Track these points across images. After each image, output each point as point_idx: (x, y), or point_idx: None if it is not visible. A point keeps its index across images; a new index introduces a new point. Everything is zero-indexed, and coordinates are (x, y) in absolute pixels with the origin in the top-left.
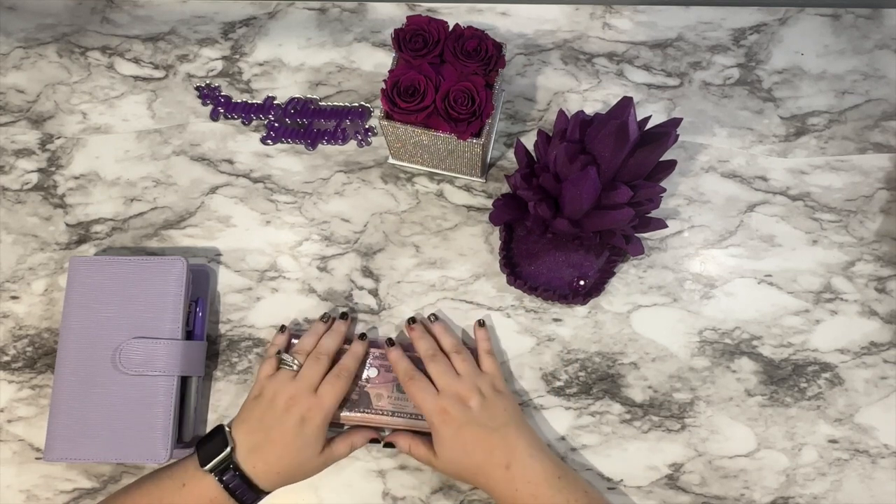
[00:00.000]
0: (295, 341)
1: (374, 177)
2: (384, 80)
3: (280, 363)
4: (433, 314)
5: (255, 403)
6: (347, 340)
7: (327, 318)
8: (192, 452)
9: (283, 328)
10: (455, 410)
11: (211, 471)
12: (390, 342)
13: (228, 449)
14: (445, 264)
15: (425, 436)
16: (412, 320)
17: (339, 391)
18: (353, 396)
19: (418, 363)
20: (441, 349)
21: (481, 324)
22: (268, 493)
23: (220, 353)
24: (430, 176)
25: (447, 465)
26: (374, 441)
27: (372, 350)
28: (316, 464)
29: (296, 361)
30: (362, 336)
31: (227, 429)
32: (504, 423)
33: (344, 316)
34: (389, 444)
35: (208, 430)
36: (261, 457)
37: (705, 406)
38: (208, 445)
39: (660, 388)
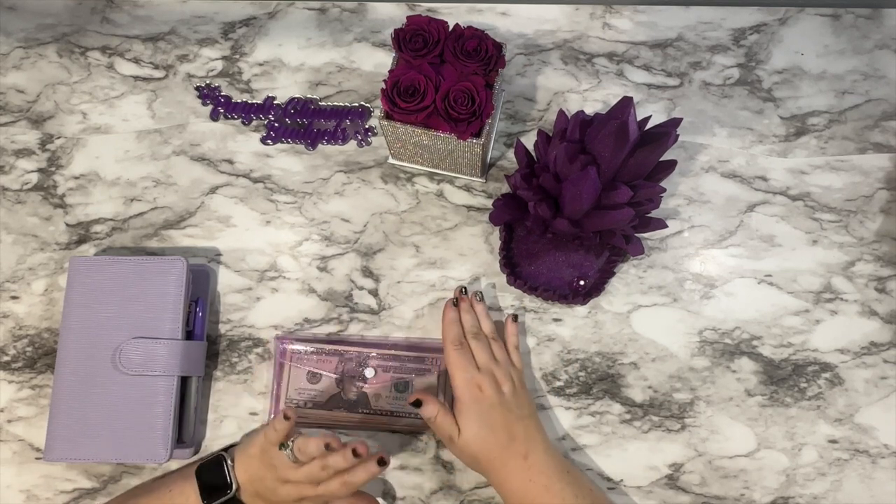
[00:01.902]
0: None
1: (374, 177)
2: (384, 80)
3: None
4: (479, 292)
5: (259, 459)
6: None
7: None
8: (190, 470)
9: (286, 416)
10: (489, 390)
11: None
12: (455, 302)
13: (232, 491)
14: (445, 264)
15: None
16: (464, 290)
17: (341, 495)
18: (352, 397)
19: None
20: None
21: (514, 318)
22: None
23: (220, 353)
24: (430, 176)
25: (469, 444)
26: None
27: (370, 350)
28: None
29: (291, 448)
30: (382, 462)
31: (229, 463)
32: (529, 415)
33: (355, 453)
34: (417, 402)
35: (208, 430)
36: (265, 502)
37: (705, 406)
38: (210, 480)
39: (660, 388)
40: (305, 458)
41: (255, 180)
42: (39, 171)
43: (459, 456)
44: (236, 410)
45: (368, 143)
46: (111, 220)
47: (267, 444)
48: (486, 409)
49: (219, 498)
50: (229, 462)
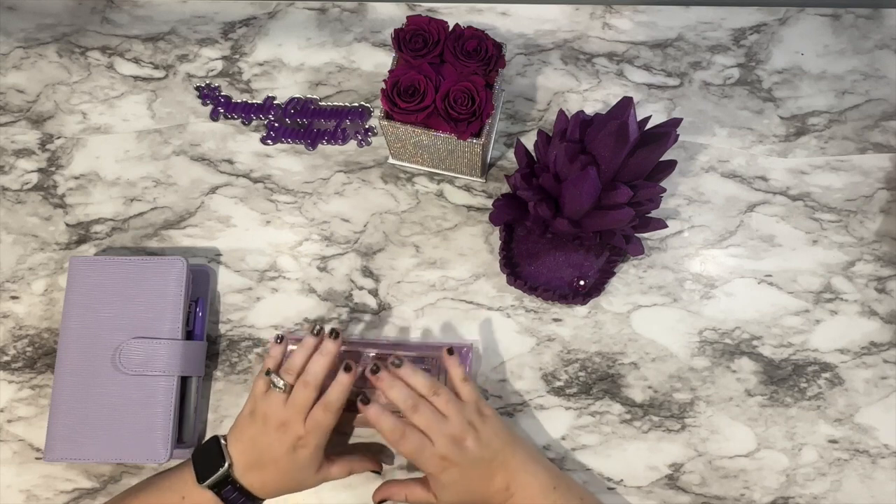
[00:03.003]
0: (292, 347)
1: (374, 177)
2: (384, 80)
3: (270, 384)
4: (396, 357)
5: (249, 421)
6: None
7: (318, 331)
8: (187, 460)
9: (280, 338)
10: (455, 456)
11: (209, 487)
12: (364, 399)
13: (226, 465)
14: (445, 264)
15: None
16: (375, 369)
17: (327, 424)
18: (352, 397)
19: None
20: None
21: (450, 351)
22: (265, 499)
23: (220, 353)
24: (430, 176)
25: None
26: (374, 472)
27: (369, 351)
28: (313, 482)
29: (284, 383)
30: (347, 367)
31: (223, 442)
32: (500, 448)
33: (335, 334)
34: (382, 501)
35: (208, 430)
36: (257, 475)
37: (705, 406)
38: (205, 460)
39: (660, 388)
40: (292, 377)
41: (255, 180)
42: (39, 171)
43: None
44: (236, 410)
45: (368, 143)
46: (111, 220)
47: (258, 396)
48: (458, 475)
49: (213, 475)
50: (223, 441)
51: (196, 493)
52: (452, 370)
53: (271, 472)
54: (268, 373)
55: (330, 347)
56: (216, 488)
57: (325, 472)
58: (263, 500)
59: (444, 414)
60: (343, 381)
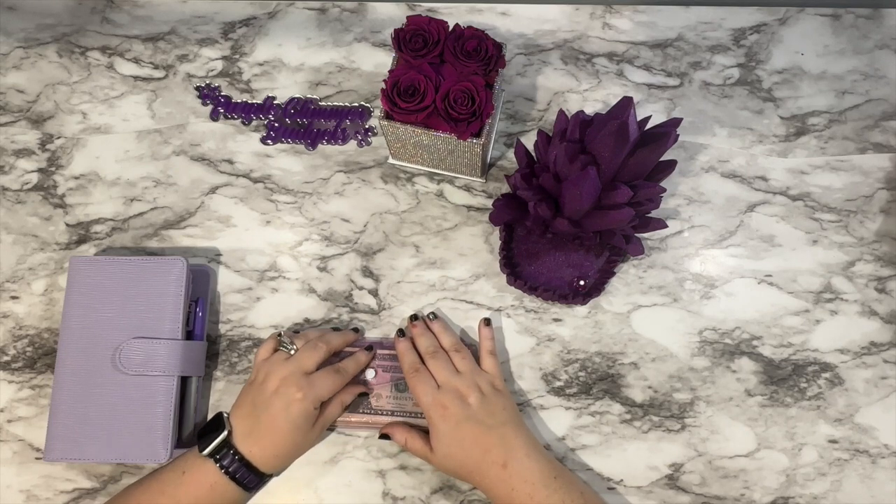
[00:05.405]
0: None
1: (374, 177)
2: (384, 80)
3: (279, 345)
4: (432, 312)
5: (249, 388)
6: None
7: (337, 329)
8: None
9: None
10: (454, 406)
11: (210, 455)
12: (400, 333)
13: (225, 433)
14: (445, 264)
15: (422, 430)
16: (414, 317)
17: (332, 384)
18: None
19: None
20: (441, 347)
21: (487, 322)
22: (270, 475)
23: (220, 353)
24: (430, 176)
25: (443, 461)
26: (363, 395)
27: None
28: (310, 439)
29: (294, 346)
30: (369, 348)
31: (225, 415)
32: (502, 422)
33: (356, 330)
34: (385, 436)
35: None
36: (255, 441)
37: (705, 406)
38: (207, 431)
39: (660, 388)
40: (303, 342)
41: (255, 180)
42: (39, 171)
43: (441, 471)
44: None
45: (368, 143)
46: (111, 220)
47: (259, 362)
48: (454, 426)
49: (214, 441)
50: (225, 415)
51: (196, 465)
52: (483, 341)
53: (267, 434)
54: (278, 335)
55: (349, 334)
56: (217, 460)
57: (321, 422)
58: (265, 473)
59: (459, 370)
60: (361, 358)
